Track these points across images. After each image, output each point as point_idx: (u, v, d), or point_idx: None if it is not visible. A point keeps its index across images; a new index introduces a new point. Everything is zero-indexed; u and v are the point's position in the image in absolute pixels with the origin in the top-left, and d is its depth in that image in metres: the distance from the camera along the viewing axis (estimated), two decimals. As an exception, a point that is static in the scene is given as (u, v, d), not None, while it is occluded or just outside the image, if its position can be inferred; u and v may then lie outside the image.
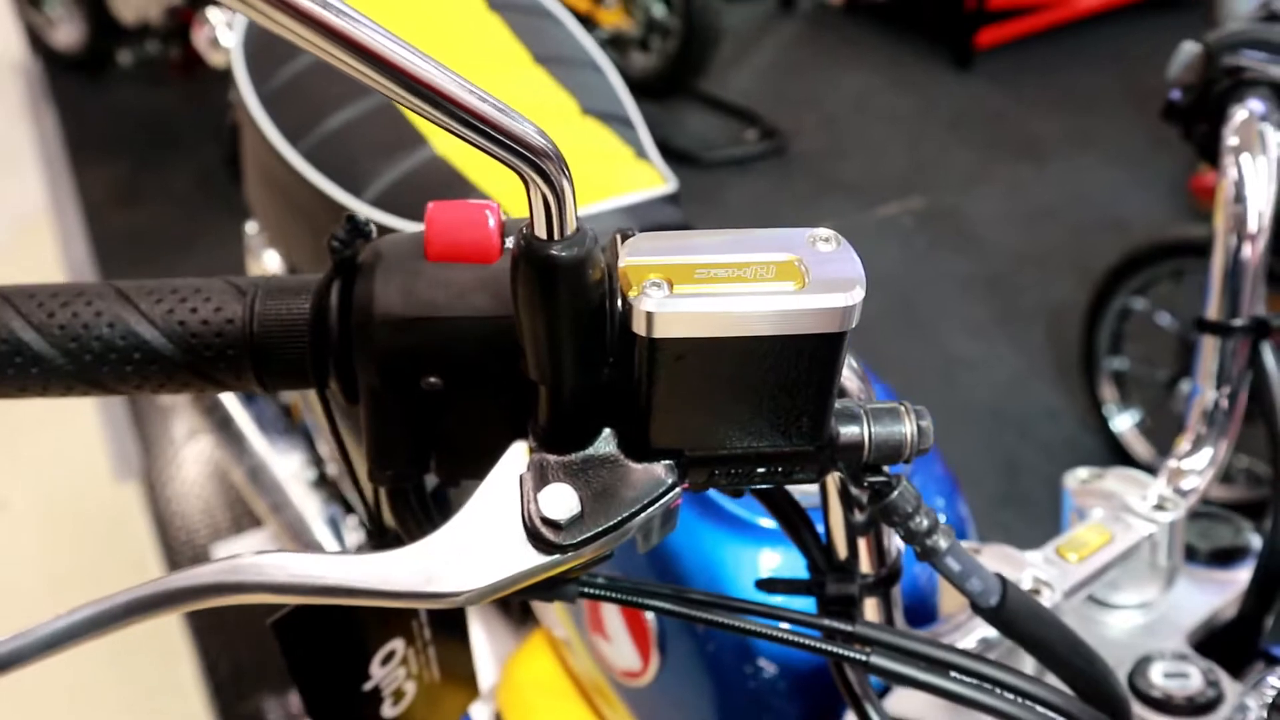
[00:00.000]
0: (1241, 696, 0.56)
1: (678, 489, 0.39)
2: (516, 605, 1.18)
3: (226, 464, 1.63)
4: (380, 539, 0.50)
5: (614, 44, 3.74)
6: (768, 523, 0.78)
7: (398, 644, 0.59)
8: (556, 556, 0.37)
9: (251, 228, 1.46)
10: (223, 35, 1.49)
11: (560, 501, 0.37)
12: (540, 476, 0.38)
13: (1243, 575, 0.68)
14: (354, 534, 1.48)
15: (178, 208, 3.19)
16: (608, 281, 0.36)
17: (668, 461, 0.39)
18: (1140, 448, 2.31)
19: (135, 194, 3.25)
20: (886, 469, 0.42)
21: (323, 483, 1.56)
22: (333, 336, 0.41)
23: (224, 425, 1.64)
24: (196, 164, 3.37)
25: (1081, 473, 0.70)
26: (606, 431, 0.39)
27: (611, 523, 0.38)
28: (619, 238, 0.38)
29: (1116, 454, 2.33)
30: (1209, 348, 0.69)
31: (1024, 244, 3.10)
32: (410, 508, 0.45)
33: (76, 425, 2.40)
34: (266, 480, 1.58)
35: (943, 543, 0.44)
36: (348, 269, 0.41)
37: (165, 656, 1.90)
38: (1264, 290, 0.68)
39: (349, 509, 1.51)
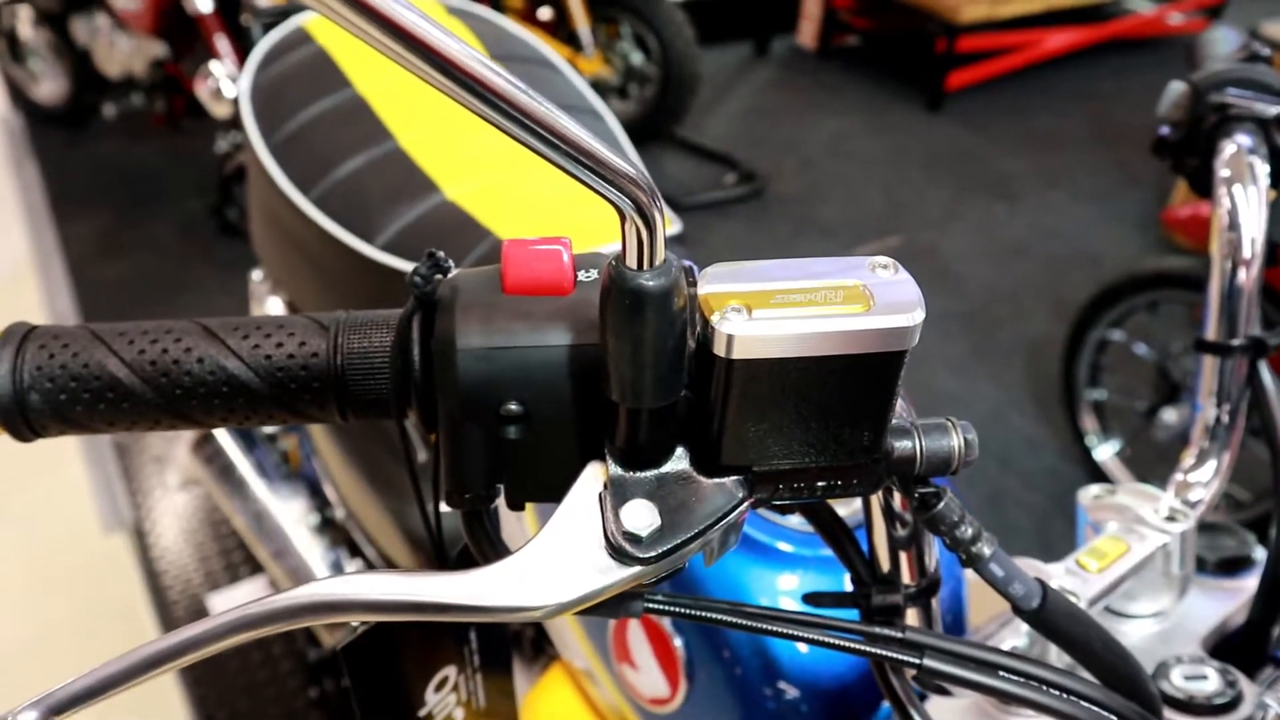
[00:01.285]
0: (1260, 695, 0.59)
1: (747, 503, 0.42)
2: (529, 641, 1.19)
3: (228, 511, 1.63)
4: (443, 563, 0.52)
5: (594, 91, 3.81)
6: (787, 546, 0.80)
7: (450, 670, 0.60)
8: (638, 569, 0.40)
9: (257, 275, 1.48)
10: (226, 87, 1.52)
11: (641, 516, 0.40)
12: (620, 494, 0.41)
13: (1249, 584, 0.72)
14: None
15: (162, 259, 3.19)
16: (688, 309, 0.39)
17: (737, 477, 0.42)
18: (1121, 476, 2.35)
19: (119, 246, 3.25)
20: (933, 481, 0.45)
21: (326, 527, 1.56)
22: (414, 368, 0.43)
23: (225, 473, 1.64)
24: (180, 215, 3.39)
25: (1094, 489, 0.74)
26: (679, 450, 0.42)
27: (688, 535, 0.40)
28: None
29: (1097, 483, 2.38)
30: (1209, 367, 0.73)
31: (1000, 279, 3.17)
32: (485, 530, 0.47)
33: (63, 478, 2.37)
34: (269, 526, 1.58)
35: (986, 550, 0.47)
36: (428, 303, 0.43)
37: (160, 711, 1.87)
38: (1259, 312, 0.72)
39: (354, 552, 1.52)
